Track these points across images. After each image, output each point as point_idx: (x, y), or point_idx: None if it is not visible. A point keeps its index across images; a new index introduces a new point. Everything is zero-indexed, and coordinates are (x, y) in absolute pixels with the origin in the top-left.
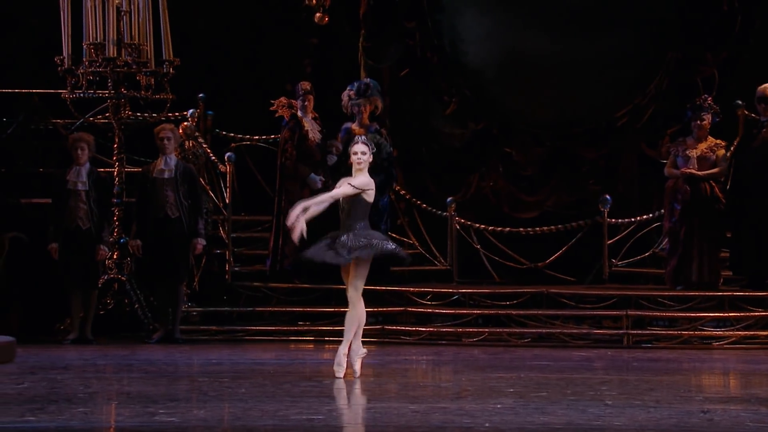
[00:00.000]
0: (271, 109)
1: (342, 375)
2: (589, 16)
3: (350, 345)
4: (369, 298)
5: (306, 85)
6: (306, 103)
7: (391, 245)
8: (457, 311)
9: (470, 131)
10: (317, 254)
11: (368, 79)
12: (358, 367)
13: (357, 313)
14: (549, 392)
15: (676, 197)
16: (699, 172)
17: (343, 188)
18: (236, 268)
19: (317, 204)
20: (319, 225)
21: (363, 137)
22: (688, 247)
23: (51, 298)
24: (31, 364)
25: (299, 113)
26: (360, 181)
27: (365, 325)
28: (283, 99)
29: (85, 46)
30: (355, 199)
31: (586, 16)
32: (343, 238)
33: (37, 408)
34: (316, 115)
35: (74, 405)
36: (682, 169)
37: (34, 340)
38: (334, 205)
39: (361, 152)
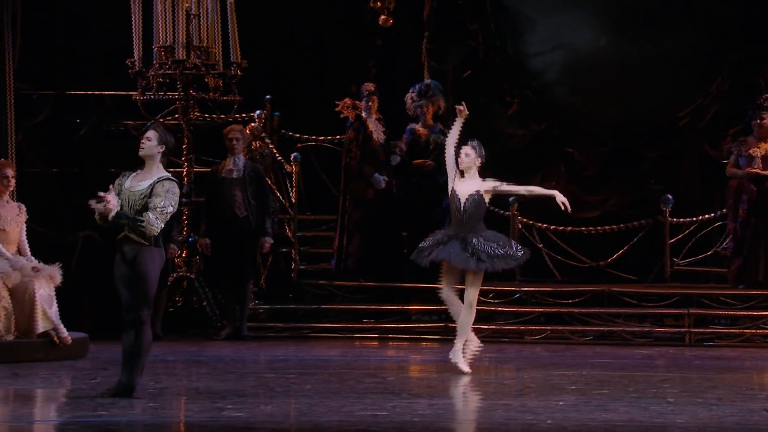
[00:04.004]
0: (335, 110)
1: (467, 370)
2: (652, 16)
3: (455, 342)
4: (431, 296)
5: (370, 87)
6: (370, 104)
7: (521, 252)
8: (520, 309)
9: (532, 132)
10: (454, 258)
11: (429, 80)
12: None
13: (473, 315)
14: (611, 390)
15: (741, 197)
16: (764, 172)
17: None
18: (302, 267)
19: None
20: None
21: (476, 141)
22: (754, 247)
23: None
24: (104, 360)
25: (363, 114)
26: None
27: (431, 324)
28: (347, 100)
29: (155, 49)
30: (482, 201)
31: (648, 16)
32: (474, 241)
33: (109, 403)
34: (380, 116)
35: (145, 400)
36: (747, 169)
37: (106, 337)
38: None
39: (465, 153)
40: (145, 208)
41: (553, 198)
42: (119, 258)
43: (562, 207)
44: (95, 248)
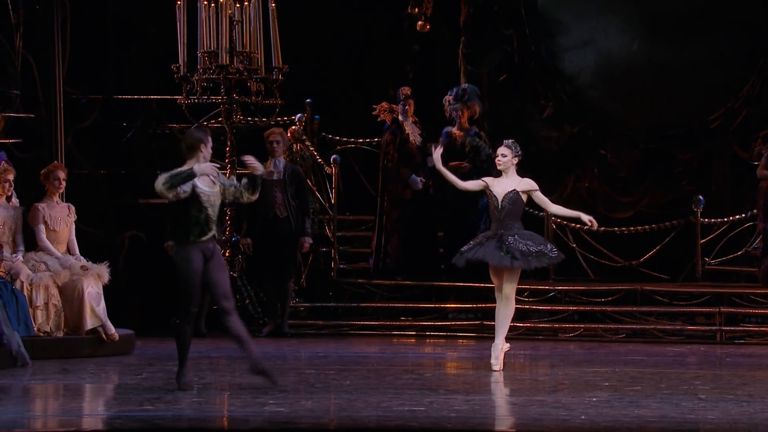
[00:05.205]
0: (373, 113)
1: (499, 368)
2: (683, 21)
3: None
4: (467, 294)
5: (406, 90)
6: (407, 107)
7: (555, 252)
8: (554, 308)
9: (566, 134)
10: (488, 256)
11: (466, 85)
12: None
13: (512, 309)
14: (643, 386)
15: None
16: None
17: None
18: (341, 266)
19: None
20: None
21: (510, 140)
22: None
23: (167, 293)
24: (149, 356)
25: (400, 117)
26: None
27: (467, 321)
28: (384, 104)
29: (199, 55)
30: (519, 199)
31: (680, 21)
32: (510, 239)
33: (155, 398)
34: (417, 119)
35: (189, 395)
36: None
37: (152, 334)
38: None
39: (501, 154)
40: (222, 204)
41: (580, 218)
42: (200, 256)
43: (589, 224)
44: (142, 248)
